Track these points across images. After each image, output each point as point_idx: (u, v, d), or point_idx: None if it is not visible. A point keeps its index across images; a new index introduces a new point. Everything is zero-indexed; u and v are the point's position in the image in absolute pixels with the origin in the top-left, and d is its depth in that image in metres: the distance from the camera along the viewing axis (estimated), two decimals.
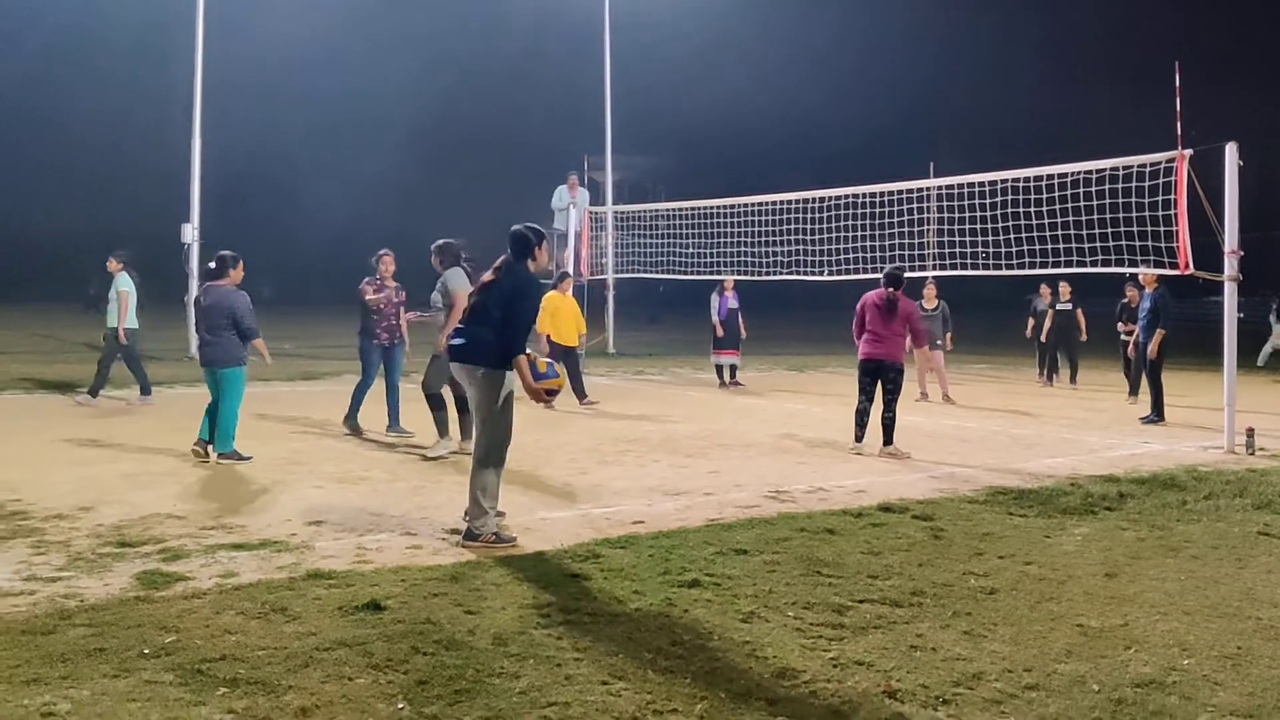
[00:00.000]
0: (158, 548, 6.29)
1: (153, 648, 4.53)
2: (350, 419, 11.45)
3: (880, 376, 10.65)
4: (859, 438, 10.69)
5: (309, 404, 14.03)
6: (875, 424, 10.58)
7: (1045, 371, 19.84)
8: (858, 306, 10.80)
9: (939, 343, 16.39)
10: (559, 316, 14.51)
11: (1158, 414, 13.48)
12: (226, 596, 5.30)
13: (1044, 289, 19.28)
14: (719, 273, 18.51)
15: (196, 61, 21.80)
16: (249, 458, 9.43)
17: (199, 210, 21.84)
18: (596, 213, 23.16)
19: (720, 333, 17.63)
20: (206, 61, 21.92)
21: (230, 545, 6.38)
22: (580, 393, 14.46)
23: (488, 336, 6.69)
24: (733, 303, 17.70)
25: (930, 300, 16.73)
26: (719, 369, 18.00)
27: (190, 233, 21.63)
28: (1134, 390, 15.92)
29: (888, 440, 10.52)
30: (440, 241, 10.19)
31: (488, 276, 7.02)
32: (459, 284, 9.75)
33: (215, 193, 23.01)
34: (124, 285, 13.52)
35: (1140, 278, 13.59)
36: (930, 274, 16.78)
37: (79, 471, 8.80)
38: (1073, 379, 18.72)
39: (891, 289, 10.66)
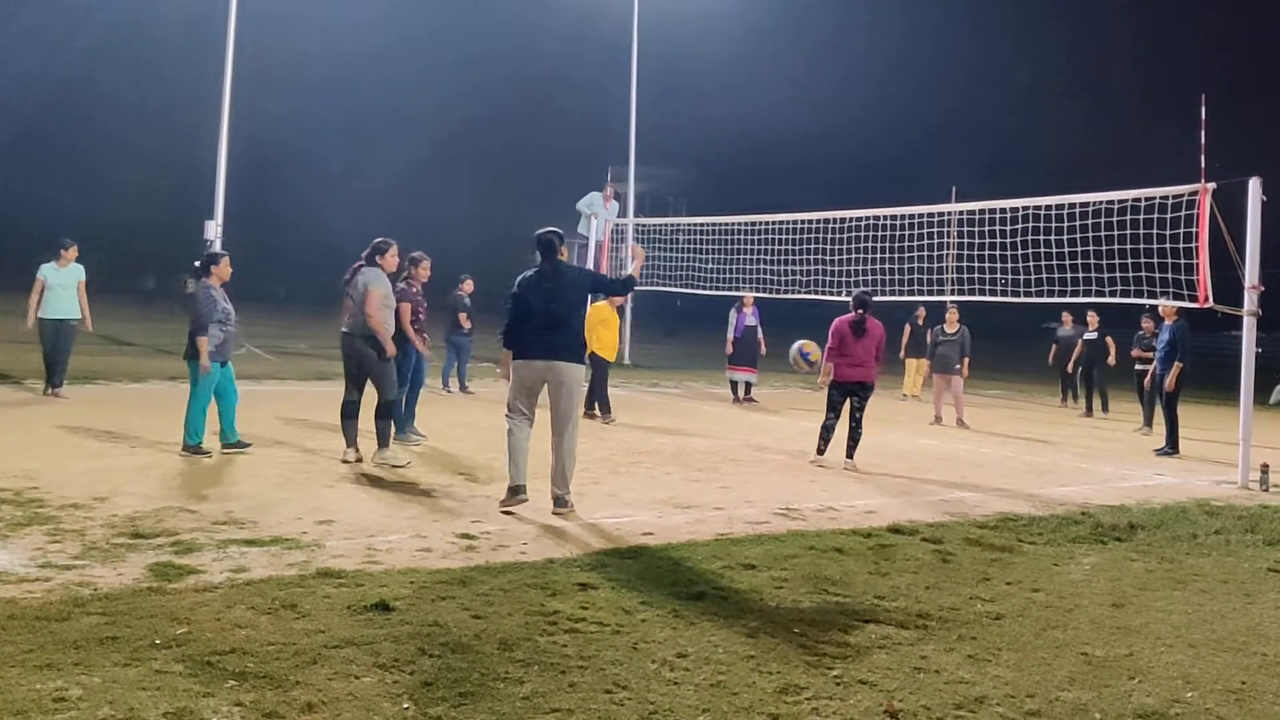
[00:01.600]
0: (170, 540, 6.35)
1: (164, 638, 4.58)
2: (401, 431, 11.07)
3: (852, 395, 11.02)
4: (822, 450, 11.04)
5: (322, 404, 14.09)
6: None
7: (1066, 397, 20.16)
8: (831, 330, 11.12)
9: (956, 367, 16.54)
10: (609, 329, 14.22)
11: (1172, 446, 13.44)
12: (237, 591, 5.36)
13: (1066, 316, 19.46)
14: (737, 289, 18.55)
15: (226, 61, 21.99)
16: (208, 454, 9.50)
17: (223, 207, 22.00)
18: (618, 224, 23.21)
19: (732, 349, 17.81)
20: (237, 60, 22.11)
21: (242, 541, 6.43)
22: (605, 408, 14.26)
23: (574, 334, 8.08)
24: (751, 320, 17.85)
25: (952, 325, 16.90)
26: (733, 385, 18.07)
27: (213, 229, 21.77)
28: (1148, 422, 15.92)
29: (851, 454, 10.93)
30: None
31: (532, 279, 8.07)
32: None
33: (240, 191, 23.21)
34: (83, 276, 13.54)
35: (1160, 309, 13.58)
36: (949, 299, 16.81)
37: (94, 463, 8.88)
38: (1104, 408, 18.72)
39: (860, 311, 10.98)
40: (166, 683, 4.12)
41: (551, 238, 8.14)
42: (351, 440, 9.65)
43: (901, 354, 21.17)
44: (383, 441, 9.58)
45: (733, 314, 18.02)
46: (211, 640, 4.60)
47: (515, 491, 7.87)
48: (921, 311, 20.79)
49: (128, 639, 4.56)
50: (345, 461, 9.50)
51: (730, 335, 17.89)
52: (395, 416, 9.91)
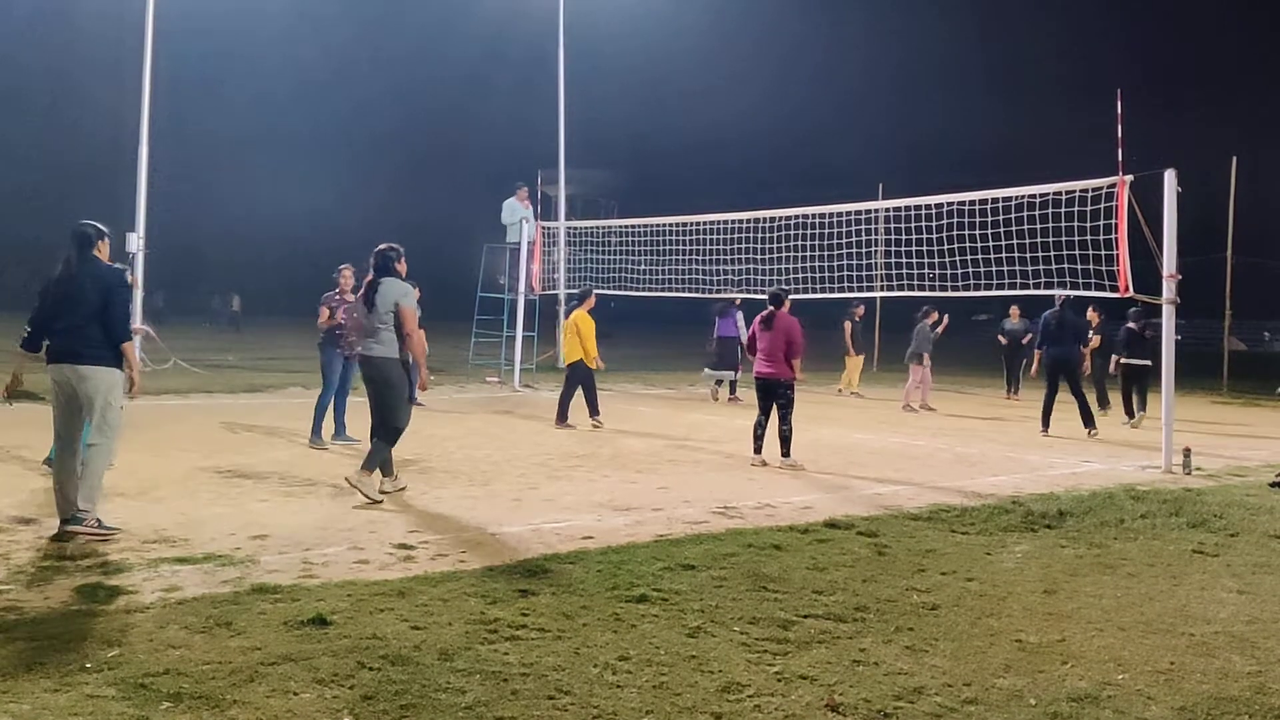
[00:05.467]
0: (99, 561, 6.21)
1: (95, 662, 4.48)
2: (316, 435, 11.35)
3: (771, 394, 11.09)
4: (757, 450, 11.11)
5: (254, 416, 13.89)
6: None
7: (1010, 389, 20.60)
8: (749, 329, 11.31)
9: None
10: (589, 336, 14.16)
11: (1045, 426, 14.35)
12: (170, 610, 5.26)
13: (1014, 309, 20.02)
14: (674, 289, 18.66)
15: (145, 69, 21.57)
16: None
17: (145, 219, 21.59)
18: (549, 228, 23.18)
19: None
20: (157, 69, 21.70)
21: (173, 559, 6.31)
22: (594, 410, 14.09)
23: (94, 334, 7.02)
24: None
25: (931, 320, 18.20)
26: (731, 384, 18.81)
27: (135, 242, 21.34)
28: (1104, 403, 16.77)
29: (785, 453, 10.94)
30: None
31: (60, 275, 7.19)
32: None
33: (164, 202, 22.80)
34: None
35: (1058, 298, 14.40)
36: (879, 294, 17.13)
37: (17, 484, 8.66)
38: (1104, 403, 17.31)
39: (772, 307, 11.20)
40: (99, 707, 4.03)
41: (88, 231, 7.19)
42: (389, 469, 8.72)
43: (849, 352, 21.05)
44: (370, 465, 8.47)
45: (739, 315, 18.50)
46: (145, 662, 4.51)
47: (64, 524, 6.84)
48: (860, 309, 20.94)
49: (57, 664, 4.45)
50: (385, 493, 8.52)
51: (744, 337, 18.40)
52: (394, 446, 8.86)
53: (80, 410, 7.00)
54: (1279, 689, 4.67)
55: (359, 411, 12.11)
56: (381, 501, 8.39)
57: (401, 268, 8.87)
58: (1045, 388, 14.82)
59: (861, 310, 20.98)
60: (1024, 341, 20.04)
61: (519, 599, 5.66)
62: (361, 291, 8.88)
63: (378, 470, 8.60)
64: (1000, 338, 20.88)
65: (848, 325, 20.96)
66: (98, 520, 6.82)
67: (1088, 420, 14.31)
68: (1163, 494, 9.55)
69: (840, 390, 21.04)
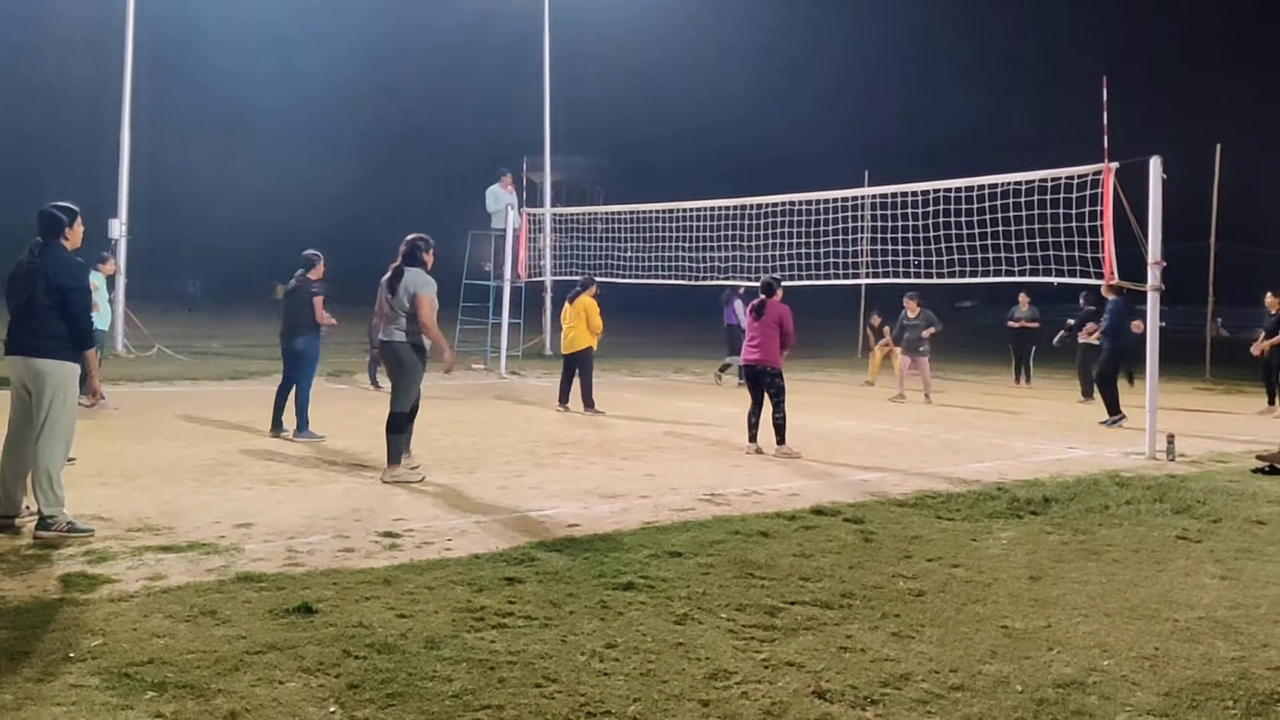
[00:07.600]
0: (83, 549, 6.18)
1: (78, 651, 4.45)
2: (303, 427, 11.14)
3: (759, 381, 11.17)
4: (751, 439, 11.19)
5: (237, 404, 13.83)
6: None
7: (1019, 377, 20.77)
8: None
9: (923, 350, 17.43)
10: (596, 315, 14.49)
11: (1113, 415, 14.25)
12: (154, 599, 5.23)
13: (1022, 297, 20.24)
14: (658, 275, 18.64)
15: (126, 55, 21.42)
16: None
17: (127, 205, 21.47)
18: (534, 214, 23.10)
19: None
20: (138, 55, 21.55)
21: (158, 547, 6.28)
22: (564, 398, 14.47)
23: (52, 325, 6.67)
24: None
25: (913, 310, 17.62)
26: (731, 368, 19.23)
27: (117, 228, 21.24)
28: (1087, 393, 16.88)
29: (780, 440, 10.95)
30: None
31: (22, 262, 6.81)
32: None
33: (145, 188, 22.67)
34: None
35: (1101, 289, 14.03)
36: (865, 281, 17.14)
37: None
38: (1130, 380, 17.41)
39: (763, 295, 11.29)
40: (83, 697, 4.00)
41: (54, 214, 6.80)
42: (406, 449, 9.02)
43: (876, 346, 20.89)
44: (393, 458, 8.83)
45: (739, 303, 18.72)
46: (129, 651, 4.48)
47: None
48: (875, 319, 21.02)
49: (41, 653, 4.42)
50: (413, 469, 8.98)
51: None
52: (406, 430, 9.05)
53: (32, 406, 6.62)
54: (1262, 674, 4.69)
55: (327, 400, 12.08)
56: (423, 480, 8.74)
57: (428, 258, 9.09)
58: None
59: (877, 320, 20.79)
60: (1033, 327, 20.71)
61: (505, 587, 5.65)
62: (387, 277, 9.03)
63: (403, 457, 8.90)
64: (1010, 324, 21.02)
65: (869, 333, 21.14)
66: (69, 524, 6.48)
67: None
68: (1146, 480, 9.59)
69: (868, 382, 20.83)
